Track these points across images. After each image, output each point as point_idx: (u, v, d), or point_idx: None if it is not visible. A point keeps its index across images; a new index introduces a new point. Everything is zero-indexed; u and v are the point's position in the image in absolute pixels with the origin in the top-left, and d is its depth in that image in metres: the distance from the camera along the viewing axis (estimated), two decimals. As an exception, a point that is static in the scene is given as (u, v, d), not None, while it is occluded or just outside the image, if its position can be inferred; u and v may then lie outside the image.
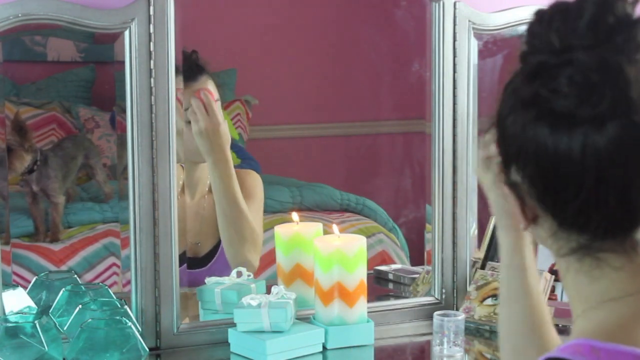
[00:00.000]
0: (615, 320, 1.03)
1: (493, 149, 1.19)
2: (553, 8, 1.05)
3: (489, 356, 1.99)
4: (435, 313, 1.92)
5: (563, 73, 1.00)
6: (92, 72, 2.63)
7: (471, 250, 2.20)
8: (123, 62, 1.88)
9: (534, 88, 1.02)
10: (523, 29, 1.10)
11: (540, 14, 1.05)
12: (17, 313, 1.81)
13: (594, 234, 1.04)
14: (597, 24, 1.00)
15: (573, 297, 1.09)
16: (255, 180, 2.32)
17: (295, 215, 2.09)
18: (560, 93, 0.99)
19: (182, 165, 2.14)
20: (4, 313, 1.81)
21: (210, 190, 2.24)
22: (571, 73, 0.99)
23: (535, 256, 1.33)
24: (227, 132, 2.20)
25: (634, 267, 1.05)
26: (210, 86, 2.22)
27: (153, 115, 1.90)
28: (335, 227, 2.01)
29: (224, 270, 2.14)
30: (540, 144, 1.01)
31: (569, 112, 0.99)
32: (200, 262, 2.24)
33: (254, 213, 2.26)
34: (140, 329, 1.84)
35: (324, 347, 1.93)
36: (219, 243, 2.25)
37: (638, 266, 1.06)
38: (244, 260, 2.13)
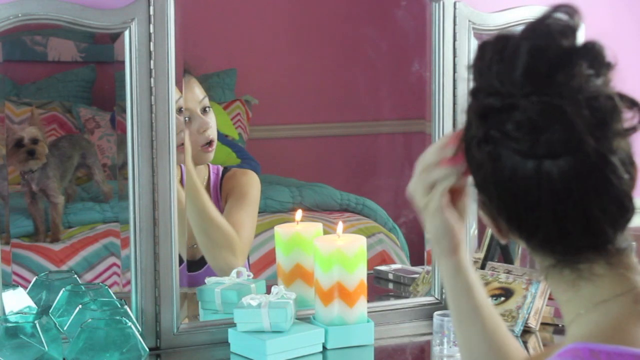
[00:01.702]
0: (610, 322, 1.03)
1: (437, 173, 1.18)
2: (492, 47, 1.04)
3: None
4: (435, 313, 1.92)
5: (510, 118, 1.01)
6: (93, 72, 2.63)
7: (471, 250, 2.19)
8: (123, 62, 1.88)
9: (486, 129, 1.03)
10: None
11: (482, 51, 1.05)
12: (17, 313, 1.81)
13: (564, 254, 1.05)
14: (532, 73, 1.00)
15: (562, 304, 1.09)
16: (251, 179, 2.30)
17: (299, 213, 2.09)
18: (510, 137, 1.01)
19: (180, 165, 2.13)
20: (4, 313, 1.81)
21: (205, 190, 2.23)
22: (518, 118, 1.00)
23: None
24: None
25: (618, 271, 1.05)
26: (194, 85, 2.21)
27: (153, 115, 1.90)
28: (340, 225, 2.00)
29: (220, 274, 2.14)
30: (498, 179, 1.03)
31: (522, 153, 1.00)
32: (197, 265, 2.22)
33: (244, 213, 2.23)
34: (140, 329, 1.84)
35: (324, 347, 1.93)
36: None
37: (621, 271, 1.05)
38: (222, 265, 2.11)
